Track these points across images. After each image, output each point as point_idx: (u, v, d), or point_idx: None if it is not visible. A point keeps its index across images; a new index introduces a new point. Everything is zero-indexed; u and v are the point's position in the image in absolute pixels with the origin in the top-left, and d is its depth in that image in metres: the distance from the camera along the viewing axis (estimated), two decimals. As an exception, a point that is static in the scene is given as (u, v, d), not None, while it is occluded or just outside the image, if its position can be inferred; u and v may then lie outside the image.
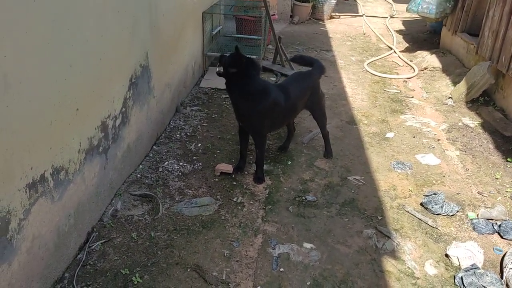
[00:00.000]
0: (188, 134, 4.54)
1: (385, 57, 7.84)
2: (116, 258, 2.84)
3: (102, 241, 2.96)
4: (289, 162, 4.22)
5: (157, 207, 3.29)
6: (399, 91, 6.25)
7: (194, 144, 4.35)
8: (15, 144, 2.08)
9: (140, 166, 3.85)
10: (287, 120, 4.12)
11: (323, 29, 9.81)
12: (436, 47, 8.04)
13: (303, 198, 3.70)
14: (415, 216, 3.55)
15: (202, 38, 6.01)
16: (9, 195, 2.07)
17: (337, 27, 10.02)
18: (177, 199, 3.49)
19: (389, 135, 4.94)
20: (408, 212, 3.60)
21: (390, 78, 6.77)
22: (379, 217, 3.52)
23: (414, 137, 4.92)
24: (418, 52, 8.03)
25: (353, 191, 3.86)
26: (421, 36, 9.20)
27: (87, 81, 2.76)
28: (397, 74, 7.03)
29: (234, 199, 3.59)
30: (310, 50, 7.95)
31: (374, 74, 6.89)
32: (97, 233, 3.02)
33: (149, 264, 2.81)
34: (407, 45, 8.64)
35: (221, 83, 5.88)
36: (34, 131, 2.25)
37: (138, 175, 3.71)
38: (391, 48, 8.30)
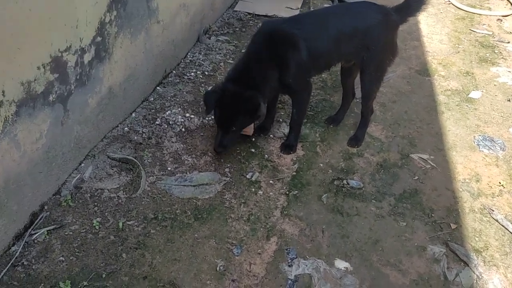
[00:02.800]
0: (206, 73, 3.42)
1: (475, -14, 6.02)
2: (61, 259, 1.95)
3: (50, 227, 2.06)
4: (331, 125, 3.04)
5: (138, 181, 2.31)
6: (490, 33, 4.65)
7: (211, 88, 3.24)
8: None
9: (133, 115, 2.84)
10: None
11: None
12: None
13: (344, 182, 2.58)
14: (507, 229, 2.36)
15: None
16: None
17: None
18: (169, 169, 2.49)
19: (474, 94, 3.56)
20: (496, 220, 2.41)
21: (480, 15, 5.10)
22: (452, 225, 2.37)
23: (509, 100, 3.51)
24: (520, -18, 6.10)
25: (416, 177, 2.68)
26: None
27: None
28: (489, 9, 5.32)
29: (247, 175, 2.54)
30: (379, -28, 6.26)
31: (459, 8, 5.23)
32: (47, 213, 2.12)
33: (104, 275, 1.90)
34: (505, -28, 6.65)
35: (261, 7, 4.59)
36: None
37: (126, 128, 2.71)
38: (484, -25, 6.39)
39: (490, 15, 5.09)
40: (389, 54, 2.67)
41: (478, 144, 2.99)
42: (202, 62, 3.53)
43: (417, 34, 4.54)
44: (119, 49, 2.50)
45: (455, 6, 5.25)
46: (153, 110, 2.91)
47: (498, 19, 5.01)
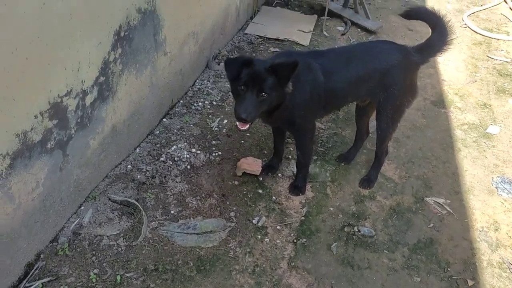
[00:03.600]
0: (214, 103, 3.31)
1: (492, 8, 5.85)
2: (54, 317, 1.83)
3: (46, 279, 1.95)
4: (343, 163, 2.91)
5: (139, 226, 2.20)
6: (509, 60, 4.49)
7: (218, 119, 3.13)
8: None
9: (137, 150, 2.73)
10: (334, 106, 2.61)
11: (413, -37, 7.67)
12: None
13: (355, 229, 2.44)
14: (528, 288, 2.20)
15: (255, -32, 4.51)
16: None
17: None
18: (172, 212, 2.37)
19: (492, 129, 3.40)
20: (517, 278, 2.25)
21: (498, 40, 4.94)
22: (470, 282, 2.22)
23: (529, 136, 3.34)
24: (539, 3, 5.92)
25: (432, 224, 2.52)
26: (542, -19, 6.87)
27: (14, 39, 1.57)
28: (507, 33, 5.15)
29: (254, 220, 2.41)
30: (393, -9, 6.11)
31: (475, 32, 5.07)
32: (43, 262, 2.02)
33: (98, 338, 1.78)
34: (523, -8, 6.46)
35: (272, 30, 4.48)
36: None
37: (129, 165, 2.60)
38: (501, -4, 6.22)
39: (508, 41, 4.92)
40: (408, 96, 2.51)
41: (496, 187, 2.83)
42: (211, 91, 3.42)
43: (432, 60, 4.33)
44: (123, 86, 2.40)
45: (472, 30, 5.10)
46: (158, 145, 2.80)
47: (517, 45, 4.83)
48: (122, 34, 2.27)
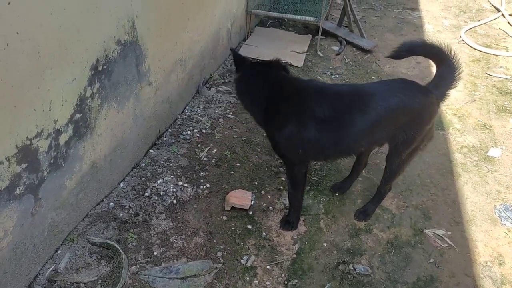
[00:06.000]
0: (204, 131, 3.18)
1: (490, 23, 5.75)
2: None
3: (15, 336, 1.80)
4: (337, 193, 2.76)
5: (119, 272, 2.06)
6: (508, 77, 4.36)
7: (207, 149, 3.00)
8: None
9: (121, 185, 2.60)
10: (347, 152, 2.29)
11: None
12: None
13: (350, 267, 2.28)
14: (538, 332, 2.03)
15: (247, -10, 4.43)
16: None
17: (428, -23, 7.75)
18: (155, 253, 2.23)
19: (493, 152, 3.25)
20: (525, 320, 2.08)
21: (496, 56, 4.82)
22: (474, 326, 2.05)
23: (532, 159, 3.19)
24: (537, 17, 5.81)
25: (432, 259, 2.36)
26: (540, -7, 6.78)
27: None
28: (506, 49, 5.03)
29: (242, 260, 2.26)
30: (389, 8, 6.04)
31: (473, 48, 4.96)
32: (14, 316, 1.87)
33: None
34: (521, 5, 6.37)
35: (265, 51, 4.38)
36: None
37: (112, 202, 2.47)
38: (498, 10, 6.13)
39: (507, 57, 4.80)
40: (425, 140, 2.30)
41: (499, 216, 2.67)
42: (200, 118, 3.30)
43: (429, 78, 4.24)
44: (103, 121, 2.28)
45: (470, 46, 4.98)
46: (143, 179, 2.67)
47: (516, 61, 4.71)
48: (100, 68, 2.16)
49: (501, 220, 2.64)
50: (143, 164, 2.78)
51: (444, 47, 2.19)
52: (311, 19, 4.49)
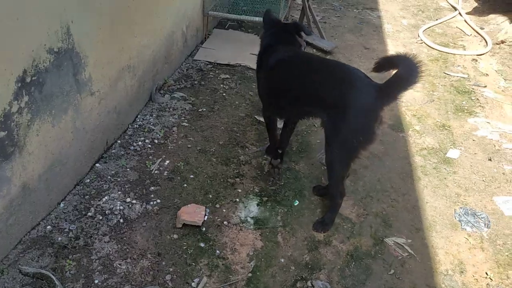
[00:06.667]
0: (156, 141, 2.98)
1: (447, 21, 5.78)
2: None
3: None
4: (296, 202, 2.63)
5: (54, 306, 1.84)
6: (466, 76, 4.36)
7: (159, 160, 2.80)
8: None
9: (61, 205, 2.37)
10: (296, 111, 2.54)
11: (369, -22, 7.60)
12: (515, 10, 5.86)
13: (309, 284, 2.15)
14: None
15: (202, -10, 4.24)
16: None
17: (387, -23, 7.77)
18: (96, 282, 2.02)
19: (452, 154, 3.20)
20: (486, 331, 2.00)
21: (454, 55, 4.83)
22: None
23: (490, 159, 3.16)
24: (491, 16, 5.89)
25: (392, 270, 2.26)
26: (493, -8, 6.89)
27: None
28: (463, 47, 5.05)
29: (193, 283, 2.08)
30: (349, 8, 5.98)
31: (431, 47, 4.95)
32: None
33: None
34: (476, 4, 6.45)
35: (223, 54, 4.20)
36: None
37: (49, 226, 2.24)
38: (455, 9, 6.18)
39: (464, 55, 4.81)
40: (359, 135, 2.18)
41: (460, 220, 2.60)
42: (153, 127, 3.10)
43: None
44: (34, 137, 2.05)
45: (428, 46, 4.97)
46: (87, 196, 2.45)
47: (473, 59, 4.73)
48: (28, 79, 1.93)
49: (461, 225, 2.57)
50: (88, 180, 2.55)
51: (411, 56, 2.07)
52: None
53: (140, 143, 2.92)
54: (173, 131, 3.09)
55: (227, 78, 3.86)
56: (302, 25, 2.80)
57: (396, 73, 2.10)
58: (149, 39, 3.19)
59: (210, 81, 3.80)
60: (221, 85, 3.76)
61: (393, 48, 4.85)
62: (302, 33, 2.65)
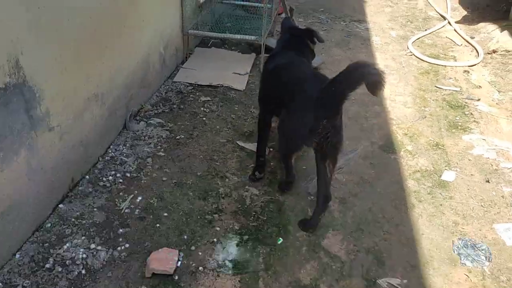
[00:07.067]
0: (128, 174, 2.73)
1: (437, 31, 5.60)
2: None
3: None
4: (280, 240, 2.38)
5: None
6: (458, 89, 4.15)
7: (131, 197, 2.55)
8: None
9: (17, 256, 2.11)
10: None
11: (356, -11, 7.44)
12: (505, 17, 5.69)
13: None
14: None
15: (181, 9, 4.02)
16: None
17: (374, -13, 7.61)
18: None
19: (448, 176, 2.97)
20: None
21: (445, 66, 4.62)
22: None
23: (487, 181, 2.93)
24: (481, 24, 5.72)
25: (387, 318, 2.00)
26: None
27: None
28: (454, 58, 4.85)
29: None
30: (336, 21, 5.79)
31: (421, 59, 4.75)
32: None
33: None
34: (465, 13, 6.29)
35: (205, 75, 3.97)
36: None
37: (0, 283, 1.97)
38: (444, 18, 6.01)
39: (455, 66, 4.61)
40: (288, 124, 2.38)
41: (459, 254, 2.36)
42: (125, 159, 2.85)
43: (379, 96, 3.97)
44: (-23, 186, 1.80)
45: (418, 57, 4.77)
46: (46, 244, 2.19)
47: (465, 71, 4.53)
48: (-36, 122, 1.68)
49: (460, 259, 2.33)
50: (49, 225, 2.30)
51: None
52: (252, 38, 4.13)
53: (110, 177, 2.67)
54: (148, 162, 2.84)
55: (208, 100, 3.63)
56: (315, 31, 2.82)
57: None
58: (121, 63, 2.96)
59: (190, 105, 3.57)
60: (202, 108, 3.53)
61: (382, 61, 4.64)
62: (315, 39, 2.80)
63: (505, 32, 5.06)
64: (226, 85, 3.88)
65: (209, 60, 4.30)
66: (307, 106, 2.19)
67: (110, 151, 2.91)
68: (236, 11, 5.29)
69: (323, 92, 2.11)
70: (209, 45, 4.68)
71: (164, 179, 2.71)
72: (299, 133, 2.27)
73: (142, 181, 2.68)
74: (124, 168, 2.76)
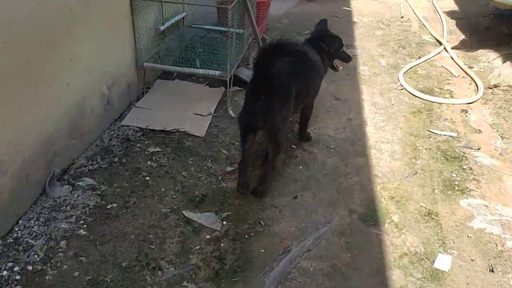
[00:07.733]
0: (30, 268, 2.08)
1: (431, 59, 4.97)
2: None
3: None
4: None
5: None
6: (455, 134, 3.51)
7: None
8: None
9: None
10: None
11: (346, 8, 6.84)
12: (506, 41, 5.07)
13: None
14: None
15: (133, 39, 3.39)
16: None
17: (366, 6, 7.01)
18: None
19: (442, 262, 2.33)
20: None
21: (440, 104, 3.99)
22: None
23: (491, 270, 2.29)
24: (481, 51, 5.09)
25: None
26: (481, 21, 6.13)
27: None
28: (450, 92, 4.23)
29: None
30: (321, 46, 5.13)
31: (414, 95, 4.12)
32: None
33: None
34: (463, 36, 5.67)
35: (159, 117, 3.32)
36: None
37: None
38: (440, 43, 5.38)
39: (452, 104, 3.98)
40: None
41: None
42: (33, 242, 2.21)
43: (362, 143, 3.35)
44: None
45: (410, 93, 4.14)
46: None
47: (463, 110, 3.90)
48: None
49: None
50: None
51: None
52: (217, 73, 3.50)
53: (5, 272, 2.03)
54: (61, 246, 2.20)
55: (157, 152, 3.00)
56: (326, 38, 3.15)
57: None
58: (36, 117, 2.33)
59: (134, 157, 2.93)
60: (148, 163, 2.89)
61: (369, 97, 4.01)
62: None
63: (508, 64, 4.44)
64: (183, 130, 3.25)
65: (169, 97, 3.67)
66: None
67: (17, 228, 2.28)
68: (211, 34, 4.66)
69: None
70: (173, 76, 4.05)
71: (76, 274, 2.07)
72: None
73: (46, 279, 2.04)
74: (28, 257, 2.12)
